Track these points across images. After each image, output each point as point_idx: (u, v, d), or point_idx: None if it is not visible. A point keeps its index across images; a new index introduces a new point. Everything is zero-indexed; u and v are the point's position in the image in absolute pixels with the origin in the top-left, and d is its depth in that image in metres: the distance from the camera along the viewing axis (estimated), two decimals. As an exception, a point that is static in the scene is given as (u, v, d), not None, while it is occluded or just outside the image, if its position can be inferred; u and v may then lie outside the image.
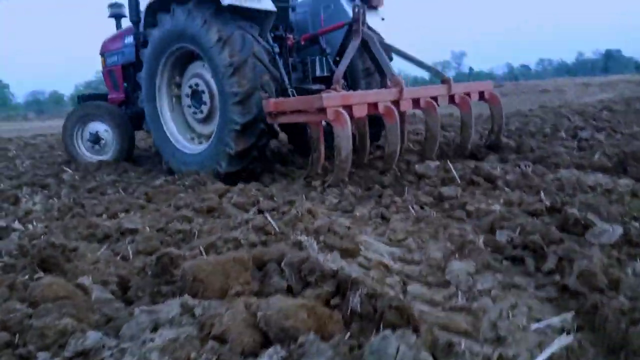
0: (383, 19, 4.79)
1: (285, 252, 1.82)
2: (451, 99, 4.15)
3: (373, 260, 1.95)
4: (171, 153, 4.52)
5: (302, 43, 4.76)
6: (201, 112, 4.35)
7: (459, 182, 3.17)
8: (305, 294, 1.59)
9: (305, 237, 2.09)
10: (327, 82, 4.51)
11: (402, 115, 3.79)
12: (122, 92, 5.80)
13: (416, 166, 3.57)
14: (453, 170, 3.28)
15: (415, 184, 3.34)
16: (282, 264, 1.74)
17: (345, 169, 3.36)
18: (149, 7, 4.47)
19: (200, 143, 4.50)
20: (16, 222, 2.89)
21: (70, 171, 4.78)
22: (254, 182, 3.79)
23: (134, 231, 2.57)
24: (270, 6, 4.02)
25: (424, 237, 2.29)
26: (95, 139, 5.59)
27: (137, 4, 5.17)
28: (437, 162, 3.54)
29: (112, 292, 1.84)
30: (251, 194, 3.24)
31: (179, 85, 4.61)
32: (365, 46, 4.34)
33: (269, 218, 2.28)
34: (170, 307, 1.57)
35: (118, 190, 3.95)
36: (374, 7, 4.74)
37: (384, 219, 2.69)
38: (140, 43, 5.07)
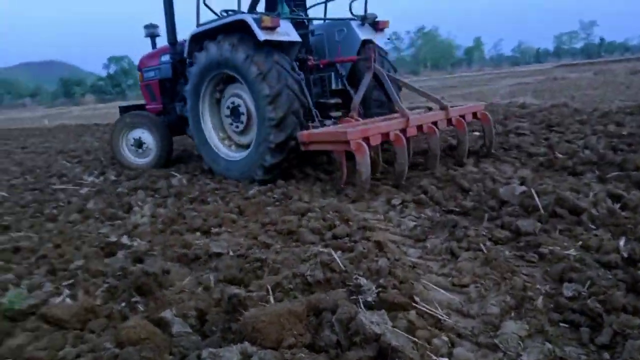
0: (389, 39, 5.55)
1: (339, 303, 1.95)
2: (449, 121, 4.87)
3: (425, 315, 2.02)
4: (212, 158, 5.28)
5: (321, 66, 5.40)
6: (238, 126, 5.08)
7: (542, 212, 3.05)
8: (349, 355, 1.71)
9: (365, 281, 2.19)
10: (341, 93, 5.51)
11: (408, 139, 4.38)
12: (160, 103, 6.53)
13: (500, 190, 3.48)
14: (537, 199, 3.16)
15: (496, 210, 3.27)
16: (334, 318, 1.87)
17: (366, 187, 4.07)
18: (195, 36, 5.20)
19: (237, 150, 5.23)
20: (125, 237, 3.32)
21: (178, 176, 5.27)
22: (335, 200, 3.97)
23: (218, 255, 2.85)
24: (296, 37, 4.79)
25: (487, 284, 2.29)
26: (139, 144, 6.28)
27: (174, 28, 6.02)
28: (523, 188, 3.42)
29: (190, 326, 2.11)
30: (328, 216, 3.40)
31: (218, 101, 5.30)
32: (376, 79, 5.06)
33: (335, 255, 2.42)
34: (232, 354, 1.78)
35: (216, 200, 4.31)
36: (381, 30, 5.62)
37: (453, 255, 2.70)
38: (177, 61, 6.02)
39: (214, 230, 3.46)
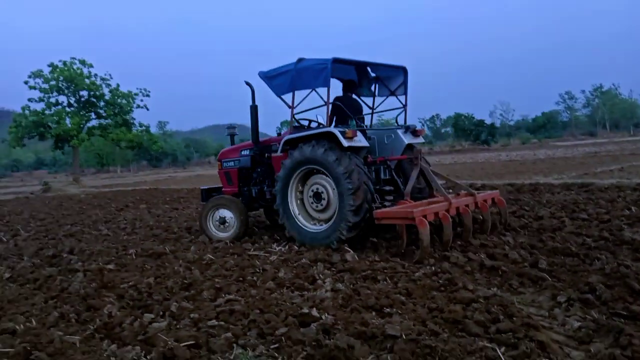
0: (424, 143, 7.21)
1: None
2: (476, 205, 6.59)
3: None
4: (297, 229, 6.81)
5: (377, 162, 7.04)
6: (318, 206, 6.74)
7: None
8: None
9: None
10: (389, 182, 7.11)
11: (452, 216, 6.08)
12: (236, 186, 8.23)
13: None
14: None
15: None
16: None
17: (427, 252, 5.48)
18: (288, 140, 6.99)
19: (315, 224, 6.84)
20: (314, 309, 3.99)
21: (351, 251, 5.94)
22: (498, 290, 4.22)
23: (393, 337, 3.33)
24: (366, 143, 6.65)
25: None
26: (222, 221, 7.77)
27: (257, 132, 7.87)
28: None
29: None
30: (493, 309, 3.69)
31: (301, 190, 6.97)
32: (422, 172, 6.84)
33: (499, 351, 2.73)
34: None
35: (385, 279, 4.84)
36: (418, 135, 7.39)
37: (617, 363, 2.82)
38: (256, 155, 7.92)
39: (386, 310, 3.97)
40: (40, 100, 37.60)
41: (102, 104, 39.74)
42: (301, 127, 7.70)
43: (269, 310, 4.07)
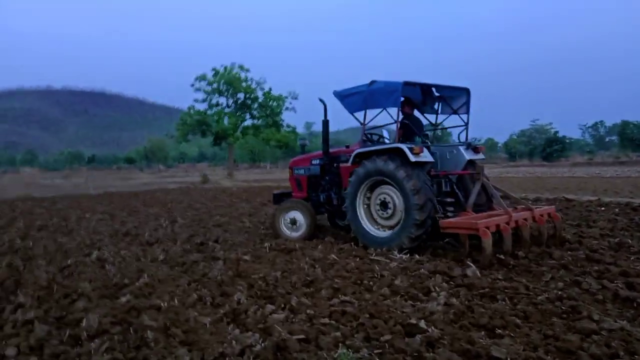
0: (483, 158, 7.85)
1: None
2: (533, 218, 7.02)
3: None
4: (363, 234, 7.48)
5: (440, 176, 7.56)
6: (384, 214, 7.33)
7: None
8: None
9: None
10: (449, 194, 7.68)
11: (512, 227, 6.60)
12: (305, 192, 9.03)
13: None
14: None
15: None
16: None
17: (489, 258, 6.01)
18: (359, 153, 7.64)
19: (383, 230, 7.39)
20: (422, 321, 4.04)
21: (473, 266, 5.80)
22: (633, 325, 3.85)
23: (498, 360, 3.26)
24: (431, 159, 7.23)
25: None
26: (293, 222, 8.50)
27: (328, 144, 8.70)
28: None
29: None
30: (614, 344, 3.40)
31: (369, 197, 7.56)
32: (483, 187, 7.43)
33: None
34: None
35: (504, 299, 4.68)
36: (478, 152, 7.84)
37: None
38: (326, 164, 8.69)
39: (497, 331, 3.87)
40: (204, 101, 41.92)
41: (255, 106, 43.01)
42: (370, 142, 8.36)
43: (379, 316, 4.21)
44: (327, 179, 8.77)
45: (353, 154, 7.78)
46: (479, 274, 5.54)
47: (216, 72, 41.60)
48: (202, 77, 41.69)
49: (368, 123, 7.98)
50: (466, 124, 8.17)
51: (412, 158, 6.84)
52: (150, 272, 6.12)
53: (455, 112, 8.32)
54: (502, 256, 6.16)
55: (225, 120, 41.37)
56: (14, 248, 8.30)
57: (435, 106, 8.59)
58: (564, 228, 7.90)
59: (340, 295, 4.91)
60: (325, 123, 8.66)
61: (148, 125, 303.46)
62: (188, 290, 5.28)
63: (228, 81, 41.15)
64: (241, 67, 42.30)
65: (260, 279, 5.62)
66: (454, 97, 8.33)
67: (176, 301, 4.85)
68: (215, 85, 41.64)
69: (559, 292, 4.74)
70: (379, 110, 7.84)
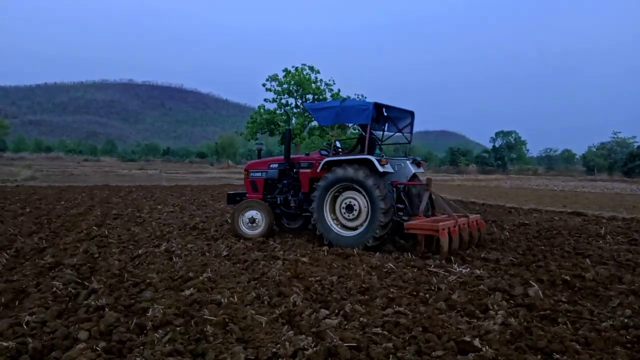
0: (422, 171, 9.08)
1: None
2: (469, 224, 8.16)
3: None
4: (334, 236, 8.27)
5: (393, 185, 8.51)
6: (350, 215, 8.24)
7: None
8: None
9: None
10: (399, 201, 8.61)
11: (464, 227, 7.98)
12: (260, 194, 9.70)
13: None
14: None
15: None
16: None
17: (445, 255, 7.17)
18: (328, 162, 8.43)
19: (348, 230, 8.26)
20: (477, 339, 3.97)
21: (536, 286, 5.60)
22: None
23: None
24: (392, 170, 8.44)
25: None
26: (252, 220, 9.09)
27: (289, 151, 9.45)
28: None
29: None
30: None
31: (335, 198, 8.47)
32: (430, 197, 8.66)
33: None
34: None
35: (566, 322, 4.50)
36: (420, 166, 9.05)
37: None
38: (286, 169, 9.47)
39: (555, 356, 3.75)
40: (273, 100, 42.82)
41: (323, 106, 43.39)
42: (334, 151, 9.20)
43: (432, 330, 4.19)
44: (284, 183, 9.55)
45: (323, 162, 8.52)
46: (541, 295, 5.35)
47: (287, 73, 42.40)
48: (273, 77, 42.66)
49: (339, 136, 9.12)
50: (409, 142, 9.41)
51: (381, 169, 7.90)
52: (214, 267, 6.40)
53: (399, 131, 9.56)
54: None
55: (293, 121, 42.07)
56: (91, 235, 8.92)
57: (383, 125, 9.63)
58: (487, 233, 9.18)
59: (394, 306, 4.92)
60: (289, 132, 9.75)
61: (221, 121, 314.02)
62: (247, 288, 5.48)
63: (298, 82, 41.82)
64: (311, 68, 42.90)
65: (317, 282, 5.72)
66: (400, 118, 9.45)
67: (235, 298, 5.05)
68: (285, 86, 42.44)
69: (626, 320, 4.50)
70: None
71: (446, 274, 6.29)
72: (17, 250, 7.38)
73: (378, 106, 8.92)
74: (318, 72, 42.95)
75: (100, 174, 41.70)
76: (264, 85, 42.74)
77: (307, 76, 42.29)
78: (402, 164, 8.91)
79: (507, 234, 10.13)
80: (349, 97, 42.65)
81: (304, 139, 42.79)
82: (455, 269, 6.48)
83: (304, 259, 6.93)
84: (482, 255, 7.53)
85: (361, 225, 8.09)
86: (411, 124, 9.36)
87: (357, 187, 8.06)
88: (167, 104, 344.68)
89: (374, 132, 9.35)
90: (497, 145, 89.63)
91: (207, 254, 7.43)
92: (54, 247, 7.85)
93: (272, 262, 6.79)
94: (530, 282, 5.76)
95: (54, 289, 5.13)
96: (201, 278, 5.78)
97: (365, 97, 43.65)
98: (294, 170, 9.44)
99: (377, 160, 7.92)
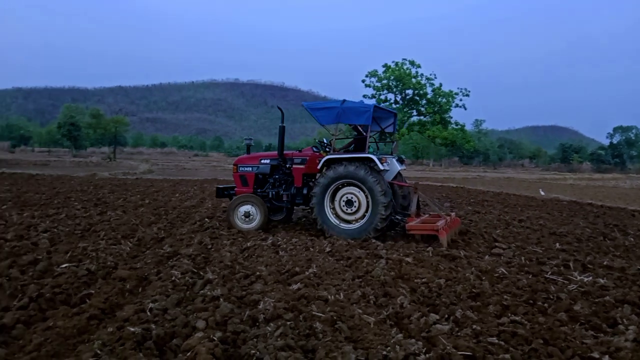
0: (405, 169, 9.82)
1: None
2: (452, 221, 8.90)
3: None
4: (333, 227, 8.76)
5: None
6: (350, 210, 8.72)
7: None
8: None
9: None
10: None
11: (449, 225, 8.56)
12: (250, 188, 9.89)
13: None
14: None
15: None
16: None
17: (444, 246, 7.72)
18: (329, 159, 8.91)
19: (348, 224, 8.77)
20: (606, 357, 3.60)
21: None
22: None
23: None
24: (388, 168, 9.07)
25: None
26: (247, 214, 9.28)
27: (283, 146, 9.70)
28: None
29: None
30: None
31: (334, 194, 8.87)
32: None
33: None
34: None
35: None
36: (403, 163, 9.83)
37: None
38: (278, 165, 9.81)
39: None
40: (373, 97, 42.59)
41: (423, 102, 42.46)
42: (328, 148, 9.83)
43: (554, 344, 3.88)
44: (276, 177, 9.86)
45: (324, 159, 8.99)
46: (589, 311, 4.77)
47: (387, 68, 41.98)
48: (372, 74, 42.45)
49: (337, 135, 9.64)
50: (393, 141, 9.98)
51: (381, 167, 8.54)
52: (318, 262, 6.46)
53: (382, 130, 10.33)
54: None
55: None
56: (204, 227, 9.44)
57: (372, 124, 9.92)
58: (461, 230, 9.38)
59: (509, 314, 4.63)
60: (282, 128, 9.84)
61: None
62: (352, 286, 5.45)
63: (398, 77, 41.25)
64: (412, 63, 42.08)
65: (423, 284, 5.55)
66: (384, 118, 10.08)
67: (342, 295, 5.04)
68: (385, 82, 42.06)
69: None
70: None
71: (565, 282, 5.82)
72: (139, 239, 7.96)
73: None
74: (419, 66, 42.04)
75: (208, 168, 44.20)
76: (363, 81, 42.65)
77: (407, 71, 41.56)
78: (389, 162, 9.28)
79: (632, 239, 9.22)
80: (441, 89, 41.51)
81: (402, 135, 42.14)
82: (576, 277, 5.98)
83: (408, 259, 6.76)
84: (604, 263, 6.90)
85: (362, 218, 8.67)
86: (394, 124, 10.29)
87: (358, 183, 8.56)
88: (269, 102, 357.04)
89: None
90: (614, 141, 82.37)
91: (311, 249, 7.52)
92: (171, 237, 8.39)
93: (375, 261, 6.71)
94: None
95: (173, 277, 5.46)
96: (307, 273, 5.85)
97: (469, 92, 42.13)
98: (287, 165, 9.77)
99: (378, 159, 8.54)
